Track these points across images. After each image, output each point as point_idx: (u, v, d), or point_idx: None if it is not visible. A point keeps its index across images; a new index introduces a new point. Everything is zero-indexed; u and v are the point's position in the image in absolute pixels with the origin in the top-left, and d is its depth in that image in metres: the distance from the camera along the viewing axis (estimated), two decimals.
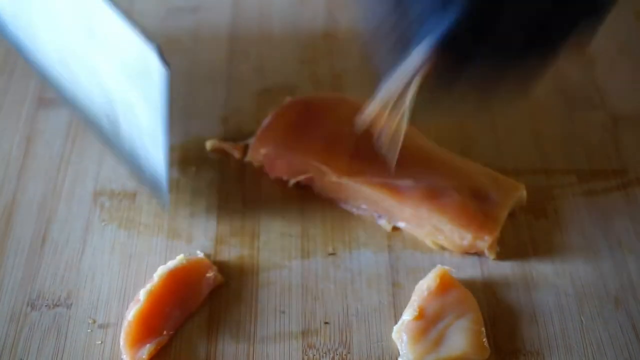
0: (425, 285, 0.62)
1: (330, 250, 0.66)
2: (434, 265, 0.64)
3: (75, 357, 0.60)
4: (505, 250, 0.66)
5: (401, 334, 0.60)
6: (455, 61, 0.53)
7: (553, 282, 0.64)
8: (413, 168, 0.67)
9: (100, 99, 0.64)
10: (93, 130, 0.70)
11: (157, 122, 0.58)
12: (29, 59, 0.72)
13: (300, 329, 0.61)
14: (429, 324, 0.60)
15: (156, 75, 0.55)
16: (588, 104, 0.77)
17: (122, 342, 0.59)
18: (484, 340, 0.60)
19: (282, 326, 0.62)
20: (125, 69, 0.59)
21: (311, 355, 0.60)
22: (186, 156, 0.73)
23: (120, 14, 0.56)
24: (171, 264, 0.63)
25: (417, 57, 0.53)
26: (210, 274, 0.63)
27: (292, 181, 0.70)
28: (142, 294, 0.61)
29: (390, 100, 0.57)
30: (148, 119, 0.59)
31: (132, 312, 0.60)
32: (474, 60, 0.53)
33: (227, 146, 0.72)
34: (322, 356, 0.60)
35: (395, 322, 0.61)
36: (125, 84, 0.59)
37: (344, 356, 0.60)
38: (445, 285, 0.62)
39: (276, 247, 0.66)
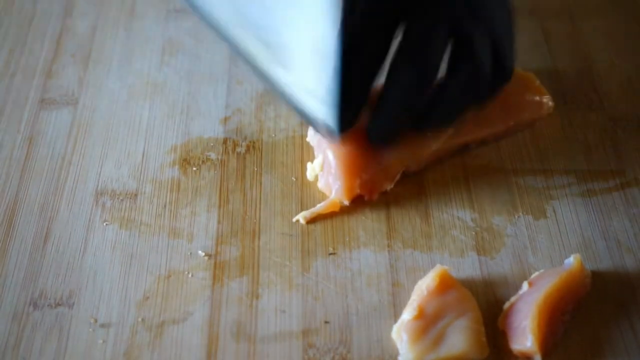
0: (424, 284, 0.62)
1: (330, 250, 0.66)
2: (433, 265, 0.64)
3: (77, 356, 0.60)
4: (504, 250, 0.66)
5: (401, 333, 0.60)
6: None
7: None
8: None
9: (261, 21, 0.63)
10: (242, 60, 0.68)
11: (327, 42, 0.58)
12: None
13: (300, 328, 0.62)
14: (429, 323, 0.60)
15: None
16: (587, 105, 0.77)
17: None
18: (483, 339, 0.60)
19: (283, 325, 0.62)
20: None
21: (311, 355, 0.60)
22: (186, 156, 0.73)
23: None
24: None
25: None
26: None
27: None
28: None
29: None
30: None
31: None
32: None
33: None
34: (323, 355, 0.60)
35: (395, 322, 0.61)
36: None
37: (344, 355, 0.60)
38: (445, 284, 0.62)
39: (276, 247, 0.67)
